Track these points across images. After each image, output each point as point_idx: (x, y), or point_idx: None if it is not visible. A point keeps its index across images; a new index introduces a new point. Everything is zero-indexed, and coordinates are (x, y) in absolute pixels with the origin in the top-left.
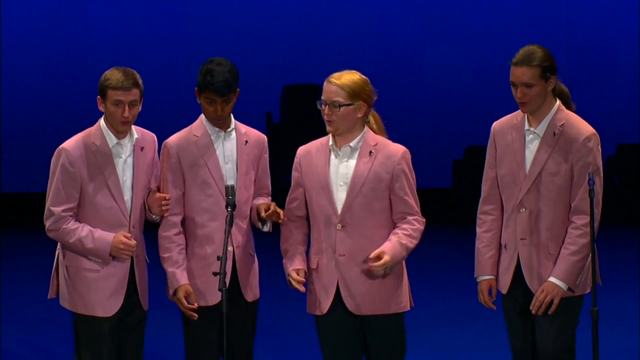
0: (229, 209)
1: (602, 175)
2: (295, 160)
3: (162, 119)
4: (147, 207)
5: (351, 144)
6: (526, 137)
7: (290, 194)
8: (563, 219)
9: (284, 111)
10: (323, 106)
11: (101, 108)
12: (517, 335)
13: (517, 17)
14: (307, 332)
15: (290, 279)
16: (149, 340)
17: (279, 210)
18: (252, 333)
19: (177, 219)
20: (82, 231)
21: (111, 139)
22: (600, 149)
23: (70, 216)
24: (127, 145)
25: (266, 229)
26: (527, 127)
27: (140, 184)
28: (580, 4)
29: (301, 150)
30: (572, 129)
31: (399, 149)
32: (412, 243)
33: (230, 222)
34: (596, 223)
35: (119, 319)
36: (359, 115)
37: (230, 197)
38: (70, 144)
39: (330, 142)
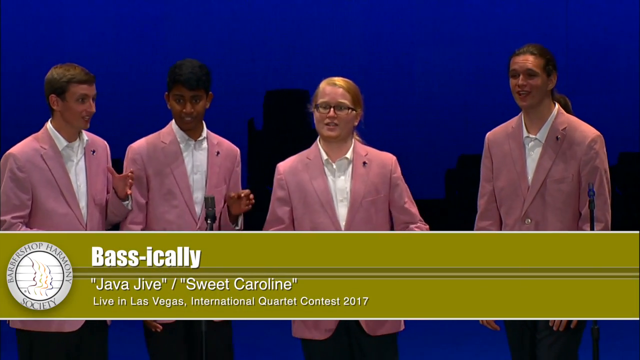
0: (208, 221)
1: (609, 177)
2: (278, 177)
3: (137, 123)
4: (114, 190)
5: (347, 156)
6: (526, 144)
7: (273, 214)
8: (571, 227)
9: (267, 118)
10: (323, 109)
11: (56, 107)
12: (519, 353)
13: (514, 19)
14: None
15: None
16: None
17: (250, 195)
18: (229, 356)
19: (138, 228)
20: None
21: (60, 142)
22: (605, 151)
23: (20, 222)
24: (77, 148)
25: (237, 227)
26: (525, 134)
27: (95, 189)
28: (579, 6)
29: (283, 166)
30: (575, 132)
31: (389, 157)
32: None
33: None
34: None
35: (79, 337)
36: (356, 123)
37: (210, 209)
38: (17, 149)
39: (325, 157)
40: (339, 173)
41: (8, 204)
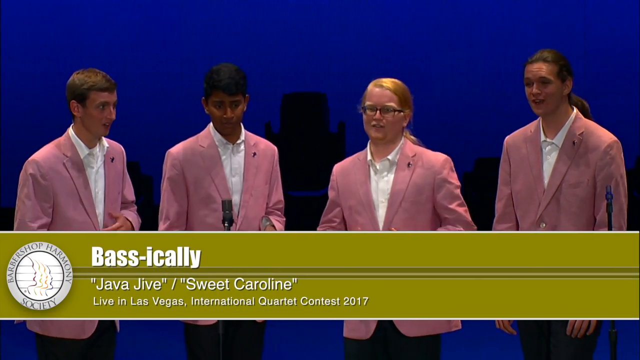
0: (225, 224)
1: (626, 183)
2: (332, 178)
3: (157, 126)
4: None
5: (389, 157)
6: (543, 148)
7: (326, 214)
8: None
9: (284, 121)
10: (370, 112)
11: (77, 113)
12: (533, 358)
13: (531, 24)
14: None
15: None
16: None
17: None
18: (258, 357)
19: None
20: None
21: (82, 150)
22: (622, 157)
23: (45, 231)
24: (98, 155)
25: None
26: (543, 138)
27: (111, 197)
28: (597, 9)
29: (337, 167)
30: (592, 136)
31: (439, 157)
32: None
33: None
34: None
35: (90, 341)
36: (404, 124)
37: (227, 212)
38: (40, 155)
39: (369, 157)
40: (383, 174)
41: (33, 210)
